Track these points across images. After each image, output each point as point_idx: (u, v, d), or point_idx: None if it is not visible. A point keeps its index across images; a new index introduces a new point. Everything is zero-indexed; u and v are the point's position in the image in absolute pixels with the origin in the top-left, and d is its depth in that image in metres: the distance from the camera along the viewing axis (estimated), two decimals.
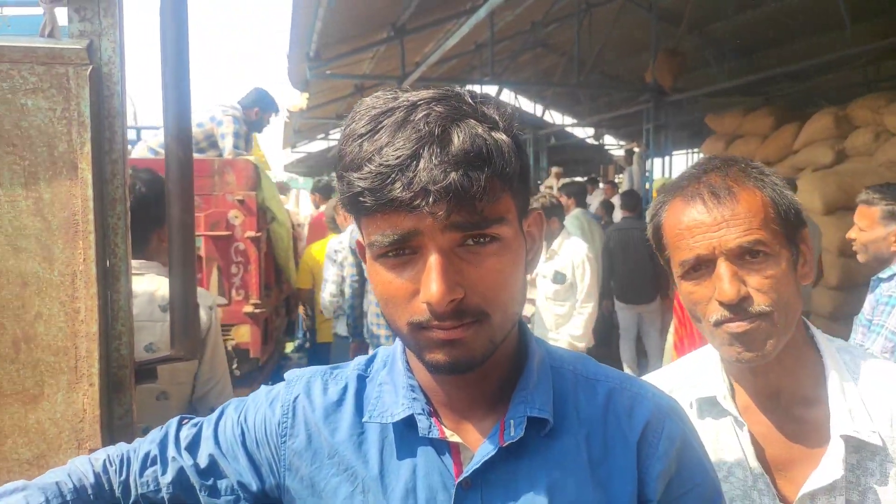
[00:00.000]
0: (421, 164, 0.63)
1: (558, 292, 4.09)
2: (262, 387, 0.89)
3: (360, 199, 0.65)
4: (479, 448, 0.74)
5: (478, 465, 0.73)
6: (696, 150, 12.86)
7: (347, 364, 0.86)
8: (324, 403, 0.81)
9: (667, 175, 9.61)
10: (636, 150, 10.25)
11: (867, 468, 0.92)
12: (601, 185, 10.24)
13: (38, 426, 1.14)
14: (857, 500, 0.92)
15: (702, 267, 0.93)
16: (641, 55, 9.71)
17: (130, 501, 0.84)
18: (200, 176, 3.55)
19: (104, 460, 0.85)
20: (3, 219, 1.12)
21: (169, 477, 0.84)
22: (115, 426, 1.20)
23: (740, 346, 0.92)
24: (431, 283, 0.65)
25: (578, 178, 12.03)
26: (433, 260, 0.65)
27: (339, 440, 0.79)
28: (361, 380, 0.83)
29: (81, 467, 0.84)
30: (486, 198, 0.65)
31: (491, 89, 15.29)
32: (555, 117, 15.66)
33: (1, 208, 1.12)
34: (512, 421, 0.73)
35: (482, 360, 0.70)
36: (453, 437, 0.75)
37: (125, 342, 1.18)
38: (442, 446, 0.76)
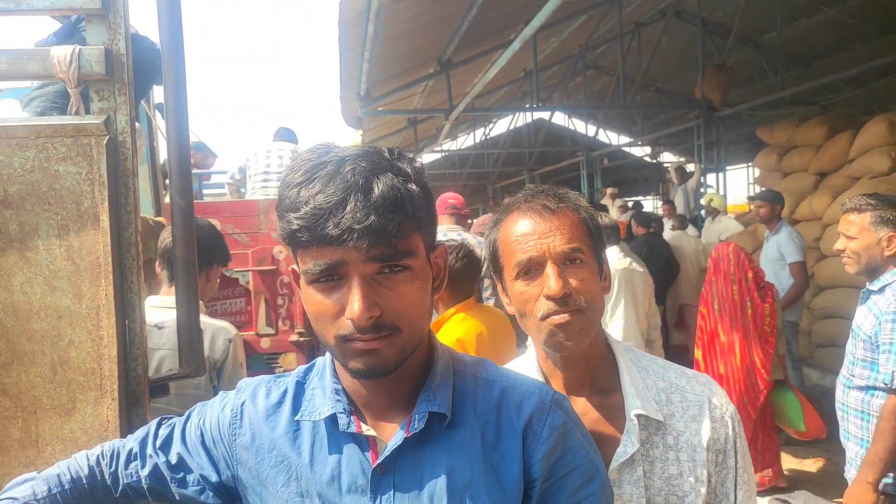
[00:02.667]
0: (348, 208, 0.79)
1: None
2: (220, 392, 1.07)
3: (298, 234, 0.82)
4: (391, 440, 0.89)
5: (388, 453, 0.88)
6: (752, 164, 12.51)
7: (291, 372, 1.03)
8: (266, 406, 0.98)
9: (721, 191, 9.42)
10: (689, 167, 10.12)
11: (653, 441, 1.11)
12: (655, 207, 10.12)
13: (72, 435, 1.36)
14: (648, 469, 1.10)
15: (531, 270, 1.10)
16: (692, 70, 9.65)
17: (119, 489, 1.02)
18: (247, 215, 3.87)
19: (98, 455, 1.04)
20: (42, 264, 1.37)
21: (146, 471, 1.02)
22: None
23: (562, 334, 1.08)
24: (355, 302, 0.81)
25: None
26: (356, 285, 0.82)
27: (277, 436, 0.95)
28: (300, 385, 0.99)
29: (80, 461, 1.04)
30: (399, 236, 0.82)
31: (544, 114, 15.47)
32: (610, 137, 15.61)
33: (39, 255, 1.37)
34: (416, 416, 0.89)
35: (395, 367, 0.86)
36: (369, 431, 0.91)
37: (140, 363, 1.40)
38: (361, 440, 0.91)
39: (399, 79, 8.38)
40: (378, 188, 0.81)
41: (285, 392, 0.99)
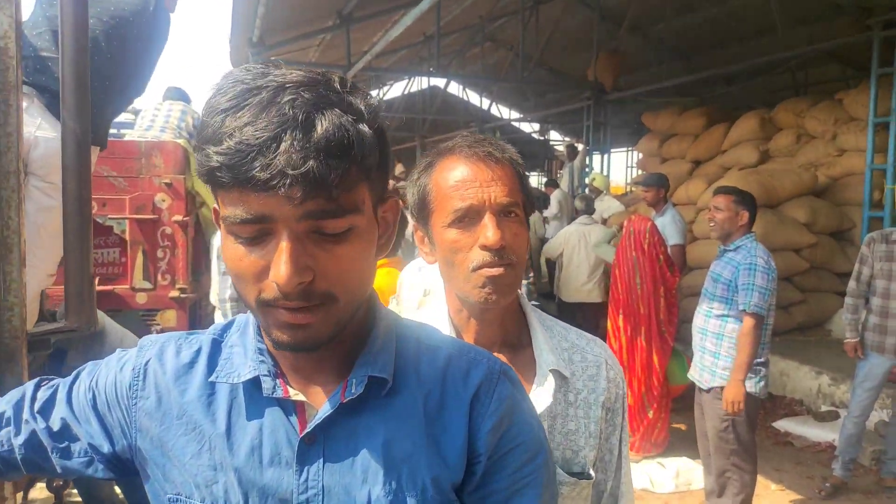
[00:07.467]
0: (281, 148, 0.64)
1: None
2: (117, 350, 0.91)
3: (217, 173, 0.67)
4: (323, 406, 0.78)
5: (319, 421, 0.77)
6: (633, 148, 13.19)
7: (205, 330, 0.89)
8: (175, 366, 0.84)
9: (605, 171, 9.86)
10: (578, 146, 10.49)
11: (556, 398, 1.12)
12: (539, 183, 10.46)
13: None
14: (550, 424, 1.12)
15: (466, 218, 1.06)
16: (585, 53, 9.93)
17: None
18: (126, 157, 3.51)
19: None
20: None
21: (21, 439, 0.86)
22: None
23: (491, 288, 1.06)
24: (281, 264, 0.67)
25: None
26: (284, 243, 0.67)
27: (188, 400, 0.81)
28: (216, 343, 0.85)
29: None
30: (341, 187, 0.68)
31: (439, 82, 15.40)
32: (502, 111, 15.84)
33: None
34: (354, 380, 0.78)
35: (327, 341, 0.74)
36: (297, 397, 0.79)
37: (17, 313, 1.19)
38: (288, 405, 0.79)
39: (296, 28, 7.96)
40: (321, 126, 0.66)
41: (199, 351, 0.85)
